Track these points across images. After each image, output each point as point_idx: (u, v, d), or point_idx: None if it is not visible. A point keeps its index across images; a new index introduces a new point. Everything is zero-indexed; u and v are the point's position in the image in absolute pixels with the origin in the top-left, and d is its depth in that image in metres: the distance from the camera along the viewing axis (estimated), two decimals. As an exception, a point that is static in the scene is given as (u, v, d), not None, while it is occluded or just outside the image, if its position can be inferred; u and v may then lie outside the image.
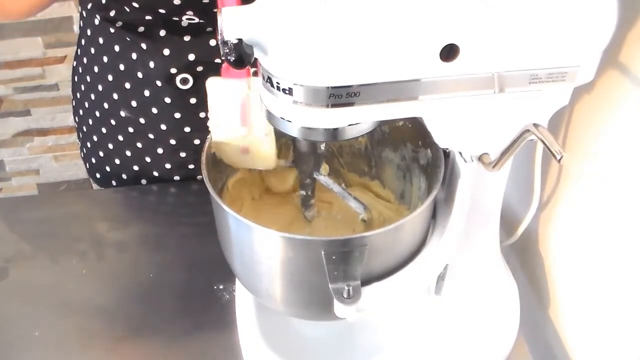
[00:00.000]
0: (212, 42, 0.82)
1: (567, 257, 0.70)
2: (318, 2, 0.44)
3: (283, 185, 0.72)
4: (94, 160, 0.98)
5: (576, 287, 0.68)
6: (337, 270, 0.51)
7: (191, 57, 0.83)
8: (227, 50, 0.45)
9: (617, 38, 0.50)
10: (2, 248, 0.84)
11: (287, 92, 0.47)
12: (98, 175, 0.99)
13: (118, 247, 0.84)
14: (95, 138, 0.95)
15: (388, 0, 0.44)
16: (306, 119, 0.48)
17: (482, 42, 0.46)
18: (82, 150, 1.02)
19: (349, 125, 0.50)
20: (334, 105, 0.47)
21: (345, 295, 0.50)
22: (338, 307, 0.51)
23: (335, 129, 0.50)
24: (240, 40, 0.45)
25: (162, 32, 0.82)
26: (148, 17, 0.81)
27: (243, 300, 0.72)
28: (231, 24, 0.45)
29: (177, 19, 0.80)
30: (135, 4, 0.79)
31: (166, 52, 0.83)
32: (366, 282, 0.53)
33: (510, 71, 0.48)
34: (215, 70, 0.78)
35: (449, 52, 0.46)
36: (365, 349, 0.69)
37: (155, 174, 0.93)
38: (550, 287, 0.73)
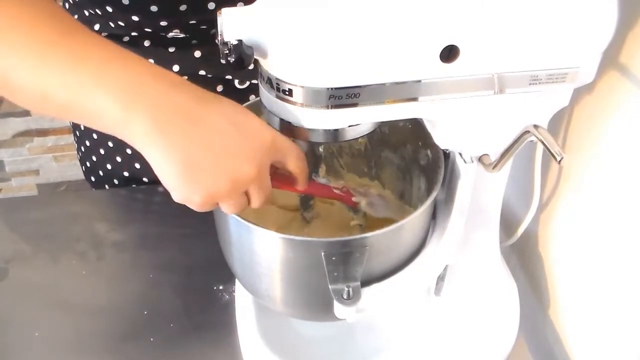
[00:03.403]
0: (197, 54, 0.82)
1: (567, 258, 0.70)
2: (318, 3, 0.44)
3: (287, 200, 0.72)
4: (88, 164, 0.98)
5: (576, 287, 0.68)
6: (337, 271, 0.51)
7: (175, 68, 0.83)
8: (227, 51, 0.45)
9: (617, 39, 0.50)
10: (2, 248, 0.83)
11: (287, 93, 0.47)
12: (93, 179, 0.99)
13: (118, 247, 0.84)
14: (88, 143, 0.95)
15: (388, 1, 0.44)
16: (306, 120, 0.48)
17: (482, 43, 0.46)
18: (78, 153, 1.02)
19: (349, 126, 0.50)
20: (334, 106, 0.47)
21: (345, 296, 0.50)
22: (338, 308, 0.51)
23: (335, 130, 0.50)
24: (240, 41, 0.45)
25: (147, 43, 0.82)
26: (134, 33, 0.81)
27: (243, 301, 0.72)
28: (231, 25, 0.45)
29: (162, 34, 0.81)
30: (121, 23, 0.79)
31: (150, 62, 0.83)
32: (366, 283, 0.53)
33: (511, 72, 0.48)
34: (200, 82, 0.78)
35: (449, 53, 0.46)
36: (365, 349, 0.69)
37: (145, 179, 0.94)
38: (550, 287, 0.73)
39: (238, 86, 0.87)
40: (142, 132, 0.45)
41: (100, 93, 0.45)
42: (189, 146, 0.45)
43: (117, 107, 0.44)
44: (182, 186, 0.46)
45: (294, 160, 0.52)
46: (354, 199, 0.63)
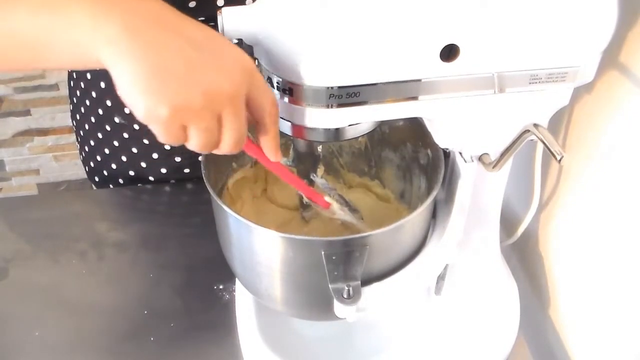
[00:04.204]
0: None
1: (567, 257, 0.70)
2: (318, 2, 0.44)
3: (286, 199, 0.72)
4: (92, 164, 0.98)
5: (576, 287, 0.68)
6: (337, 270, 0.51)
7: None
8: (228, 50, 0.45)
9: (617, 38, 0.50)
10: (2, 248, 0.83)
11: (286, 92, 0.47)
12: (97, 179, 0.99)
13: (118, 247, 0.84)
14: (92, 142, 0.95)
15: (388, 1, 0.44)
16: (306, 119, 0.48)
17: (482, 43, 0.46)
18: (81, 154, 1.02)
19: (349, 125, 0.50)
20: (334, 106, 0.47)
21: (345, 296, 0.50)
22: (338, 307, 0.51)
23: (335, 129, 0.50)
24: (240, 40, 0.45)
25: None
26: None
27: (243, 300, 0.72)
28: (231, 24, 0.45)
29: None
30: None
31: None
32: (366, 282, 0.53)
33: (511, 71, 0.48)
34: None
35: (449, 53, 0.46)
36: (365, 349, 0.69)
37: (151, 178, 0.94)
38: (550, 287, 0.73)
39: None
40: (111, 38, 0.39)
41: (68, 11, 0.40)
42: (160, 52, 0.40)
43: (87, 16, 0.40)
44: (147, 95, 0.40)
45: (268, 101, 0.45)
46: (326, 198, 0.60)
